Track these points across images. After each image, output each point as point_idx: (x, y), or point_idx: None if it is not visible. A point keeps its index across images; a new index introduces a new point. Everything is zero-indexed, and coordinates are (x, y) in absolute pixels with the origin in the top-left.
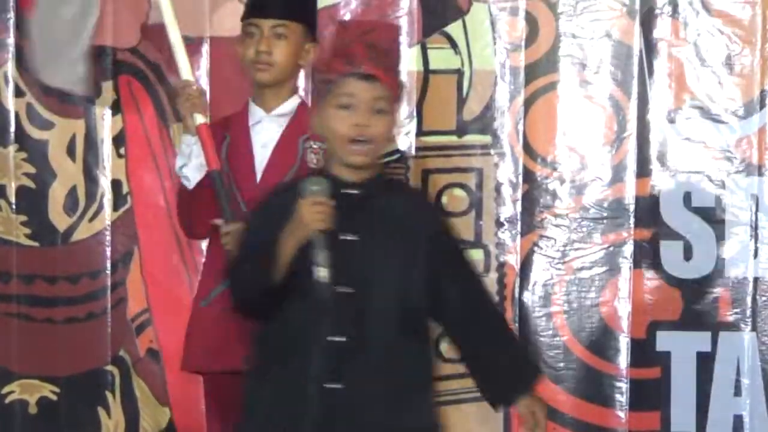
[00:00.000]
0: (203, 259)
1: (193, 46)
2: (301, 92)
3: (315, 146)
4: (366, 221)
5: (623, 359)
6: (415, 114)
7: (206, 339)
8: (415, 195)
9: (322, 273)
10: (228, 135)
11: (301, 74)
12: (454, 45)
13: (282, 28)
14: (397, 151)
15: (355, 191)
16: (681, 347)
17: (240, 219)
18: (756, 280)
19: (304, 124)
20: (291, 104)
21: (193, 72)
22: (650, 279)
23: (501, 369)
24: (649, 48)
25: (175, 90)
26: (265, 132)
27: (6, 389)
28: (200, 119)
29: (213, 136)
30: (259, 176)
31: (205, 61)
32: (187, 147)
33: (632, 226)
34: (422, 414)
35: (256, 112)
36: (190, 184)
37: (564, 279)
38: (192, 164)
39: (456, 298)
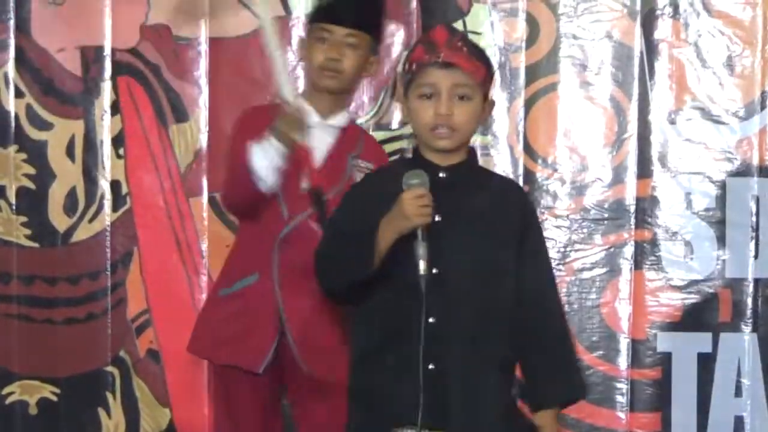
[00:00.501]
0: (204, 260)
1: (190, 47)
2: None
3: (362, 165)
4: (453, 205)
5: (624, 360)
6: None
7: (218, 329)
8: (505, 181)
9: (421, 266)
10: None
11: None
12: None
13: (354, 37)
14: (399, 151)
15: (443, 174)
16: (682, 348)
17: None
18: (756, 281)
19: (353, 140)
20: (345, 118)
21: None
22: (651, 280)
23: (541, 372)
24: (650, 49)
25: (280, 110)
26: (318, 138)
27: (6, 390)
28: (299, 140)
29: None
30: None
31: (203, 63)
32: (271, 148)
33: (633, 227)
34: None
35: (311, 114)
36: (264, 185)
37: (565, 280)
38: (270, 166)
39: (524, 288)
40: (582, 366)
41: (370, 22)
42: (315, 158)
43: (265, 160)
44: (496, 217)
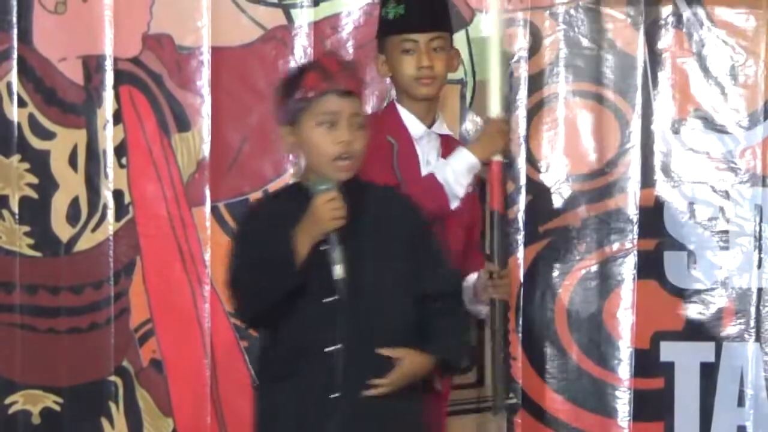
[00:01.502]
0: (207, 269)
1: (192, 56)
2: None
3: None
4: (351, 225)
5: (626, 369)
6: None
7: None
8: (390, 193)
9: (338, 270)
10: (395, 143)
11: None
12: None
13: (439, 40)
14: None
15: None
16: (684, 357)
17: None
18: (760, 290)
19: (453, 144)
20: (443, 124)
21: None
22: (654, 289)
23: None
24: (653, 59)
25: (487, 125)
26: (428, 148)
27: (9, 400)
28: (498, 157)
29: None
30: None
31: (206, 72)
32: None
33: (636, 236)
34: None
35: (416, 125)
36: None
37: (568, 289)
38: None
39: (423, 293)
40: (464, 354)
41: (446, 20)
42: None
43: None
44: (393, 232)
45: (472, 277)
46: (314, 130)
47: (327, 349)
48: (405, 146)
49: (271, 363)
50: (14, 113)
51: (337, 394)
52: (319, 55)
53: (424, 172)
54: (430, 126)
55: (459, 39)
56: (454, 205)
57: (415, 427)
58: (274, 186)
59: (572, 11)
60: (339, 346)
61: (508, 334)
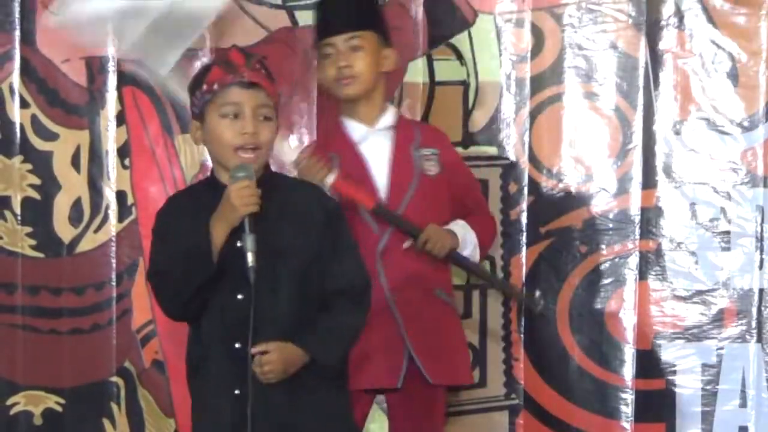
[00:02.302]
0: None
1: (196, 57)
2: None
3: (427, 153)
4: (257, 219)
5: (629, 370)
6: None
7: (358, 356)
8: (304, 186)
9: (249, 258)
10: (335, 156)
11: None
12: (459, 56)
13: (356, 39)
14: None
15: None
16: (686, 358)
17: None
18: (761, 291)
19: (410, 132)
20: (392, 116)
21: None
22: (656, 290)
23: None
24: (655, 59)
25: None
26: (375, 147)
27: (11, 400)
28: (331, 180)
29: (323, 158)
30: (384, 192)
31: None
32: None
33: (638, 237)
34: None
35: (357, 128)
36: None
37: (569, 290)
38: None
39: (328, 286)
40: (344, 347)
41: (367, 20)
42: (374, 177)
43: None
44: (299, 226)
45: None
46: (218, 121)
47: (236, 345)
48: (347, 156)
49: (190, 357)
50: (17, 114)
51: (237, 391)
52: (225, 49)
53: (374, 172)
54: (374, 124)
55: (461, 40)
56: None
57: (321, 420)
58: None
59: (575, 12)
60: (246, 341)
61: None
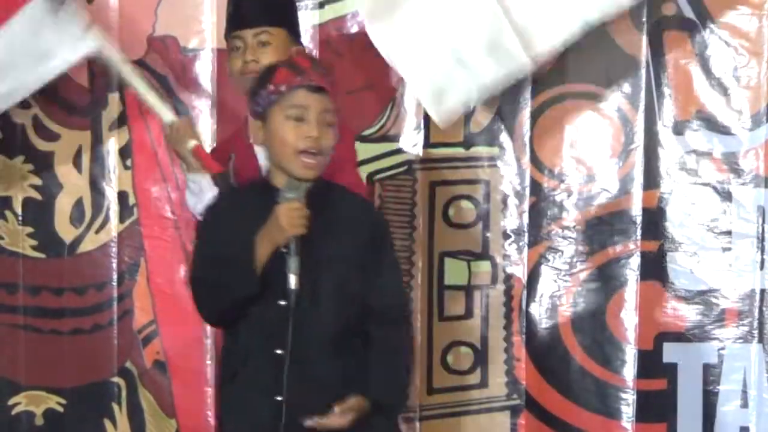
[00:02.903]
0: None
1: (197, 58)
2: None
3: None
4: (309, 232)
5: (630, 371)
6: (422, 126)
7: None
8: (354, 200)
9: (292, 280)
10: (233, 154)
11: None
12: None
13: (265, 35)
14: (406, 162)
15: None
16: (687, 359)
17: None
18: (762, 291)
19: None
20: None
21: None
22: (657, 290)
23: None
24: (657, 60)
25: (165, 137)
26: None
27: (12, 400)
28: (192, 144)
29: (218, 158)
30: None
31: (210, 72)
32: (195, 184)
33: (639, 237)
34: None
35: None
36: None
37: (571, 290)
38: (206, 198)
39: (371, 306)
40: (404, 381)
41: (278, 16)
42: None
43: (193, 198)
44: (344, 242)
45: None
46: (283, 123)
47: (277, 351)
48: (242, 154)
49: (226, 362)
50: (18, 115)
51: (280, 398)
52: (291, 53)
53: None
54: None
55: None
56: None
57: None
58: None
59: None
60: (286, 349)
61: None
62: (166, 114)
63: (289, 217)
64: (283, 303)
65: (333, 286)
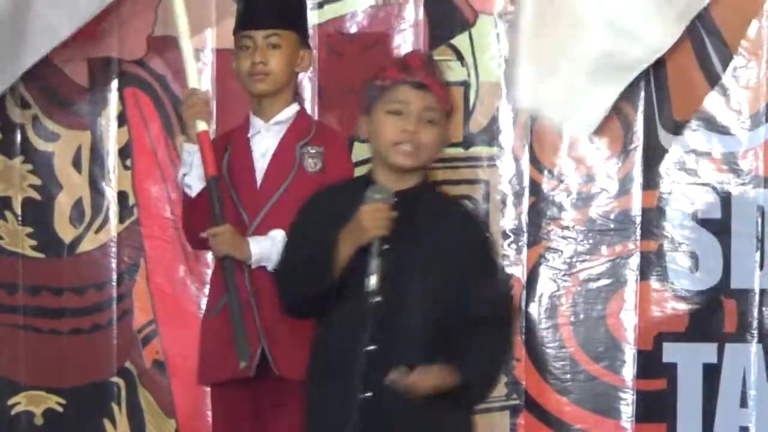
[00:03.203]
0: (210, 271)
1: (197, 58)
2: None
3: (312, 151)
4: (403, 231)
5: (629, 371)
6: None
7: (207, 353)
8: (456, 206)
9: (372, 281)
10: (230, 147)
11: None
12: (460, 57)
13: (275, 37)
14: None
15: (394, 199)
16: (687, 359)
17: (225, 222)
18: (762, 291)
19: (303, 130)
20: (289, 112)
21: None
22: (657, 291)
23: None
24: (656, 60)
25: (183, 99)
26: (264, 141)
27: (12, 400)
28: (202, 126)
29: (215, 149)
30: (258, 184)
31: (210, 72)
32: (188, 156)
33: (639, 237)
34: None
35: (255, 123)
36: (192, 193)
37: (570, 291)
38: (194, 173)
39: (469, 312)
40: (494, 374)
41: (289, 19)
42: (255, 171)
43: (185, 168)
44: (445, 245)
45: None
46: (383, 117)
47: (366, 349)
48: (237, 148)
49: (312, 358)
50: (18, 115)
51: (369, 394)
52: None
53: (258, 166)
54: (270, 119)
55: (462, 41)
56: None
57: None
58: None
59: None
60: (374, 347)
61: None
62: (194, 78)
63: (372, 218)
64: (368, 301)
65: (422, 290)
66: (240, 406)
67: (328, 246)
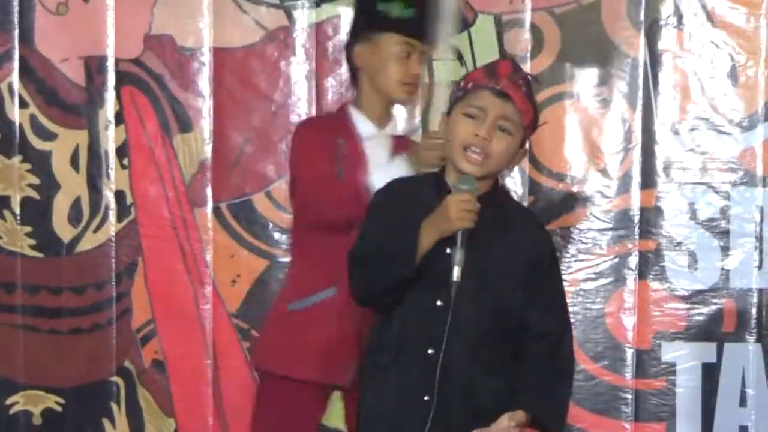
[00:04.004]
0: (208, 270)
1: (194, 57)
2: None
3: None
4: (471, 235)
5: (629, 370)
6: (421, 126)
7: (294, 344)
8: (527, 216)
9: (456, 272)
10: (341, 140)
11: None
12: (459, 56)
13: (428, 50)
14: None
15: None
16: (686, 358)
17: None
18: (761, 290)
19: (402, 146)
20: (394, 127)
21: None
22: (655, 290)
23: (532, 389)
24: (654, 59)
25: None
26: (377, 150)
27: (10, 400)
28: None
29: (328, 140)
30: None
31: (207, 72)
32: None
33: (637, 237)
34: None
35: (365, 125)
36: None
37: (569, 290)
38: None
39: (532, 326)
40: (566, 405)
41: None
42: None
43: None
44: (514, 254)
45: None
46: (460, 119)
47: (429, 351)
48: (351, 147)
49: (374, 359)
50: (16, 114)
51: (426, 398)
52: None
53: (372, 172)
54: (383, 128)
55: (461, 40)
56: None
57: None
58: (275, 187)
59: (573, 12)
60: (439, 349)
61: None
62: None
63: (459, 209)
64: (440, 303)
65: (492, 295)
66: (312, 407)
67: (410, 234)
